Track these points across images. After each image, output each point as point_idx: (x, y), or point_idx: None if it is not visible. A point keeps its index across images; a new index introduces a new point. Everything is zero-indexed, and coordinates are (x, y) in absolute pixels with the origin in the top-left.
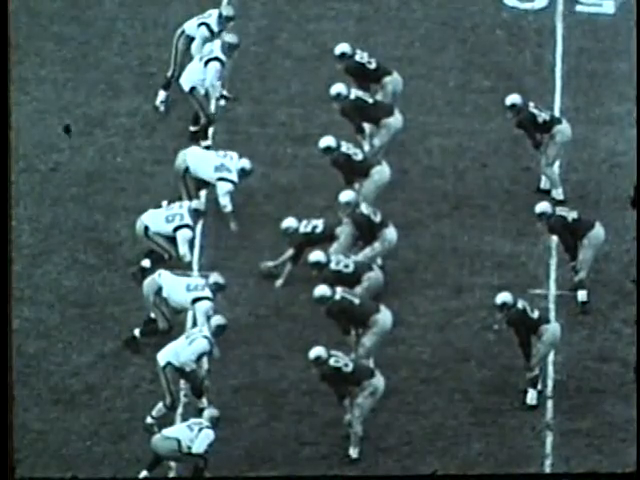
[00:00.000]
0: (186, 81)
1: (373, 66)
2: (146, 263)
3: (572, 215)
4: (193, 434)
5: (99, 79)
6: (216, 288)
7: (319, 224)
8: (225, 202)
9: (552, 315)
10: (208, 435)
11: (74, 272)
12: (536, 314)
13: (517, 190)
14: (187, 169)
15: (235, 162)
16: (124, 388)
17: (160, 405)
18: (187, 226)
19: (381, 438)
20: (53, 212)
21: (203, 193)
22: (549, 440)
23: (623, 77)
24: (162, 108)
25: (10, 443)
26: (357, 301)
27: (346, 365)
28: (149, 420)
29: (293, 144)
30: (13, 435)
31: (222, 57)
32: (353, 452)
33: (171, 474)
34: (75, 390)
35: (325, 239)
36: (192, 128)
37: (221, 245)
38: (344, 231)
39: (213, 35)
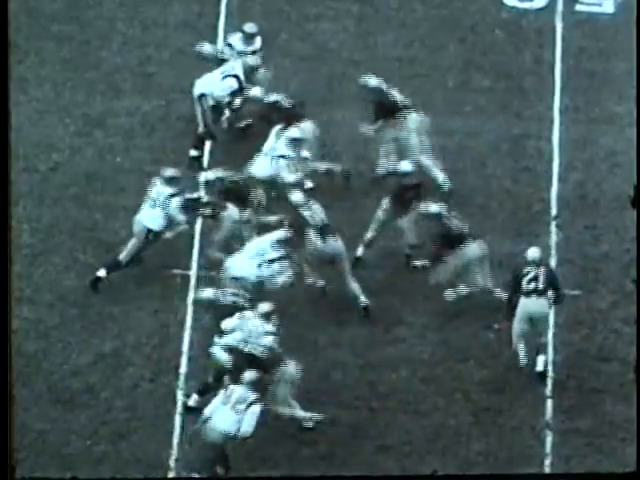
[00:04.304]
0: (199, 86)
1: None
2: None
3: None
4: (240, 416)
5: (99, 79)
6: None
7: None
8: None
9: (551, 315)
10: (254, 412)
11: (74, 272)
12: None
13: (517, 190)
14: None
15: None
16: (124, 388)
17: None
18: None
19: (381, 438)
20: (53, 212)
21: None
22: (549, 440)
23: (623, 77)
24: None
25: (10, 443)
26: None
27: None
28: (191, 403)
29: None
30: (13, 435)
31: (241, 76)
32: (307, 423)
33: (170, 475)
34: (75, 390)
35: None
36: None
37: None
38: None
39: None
